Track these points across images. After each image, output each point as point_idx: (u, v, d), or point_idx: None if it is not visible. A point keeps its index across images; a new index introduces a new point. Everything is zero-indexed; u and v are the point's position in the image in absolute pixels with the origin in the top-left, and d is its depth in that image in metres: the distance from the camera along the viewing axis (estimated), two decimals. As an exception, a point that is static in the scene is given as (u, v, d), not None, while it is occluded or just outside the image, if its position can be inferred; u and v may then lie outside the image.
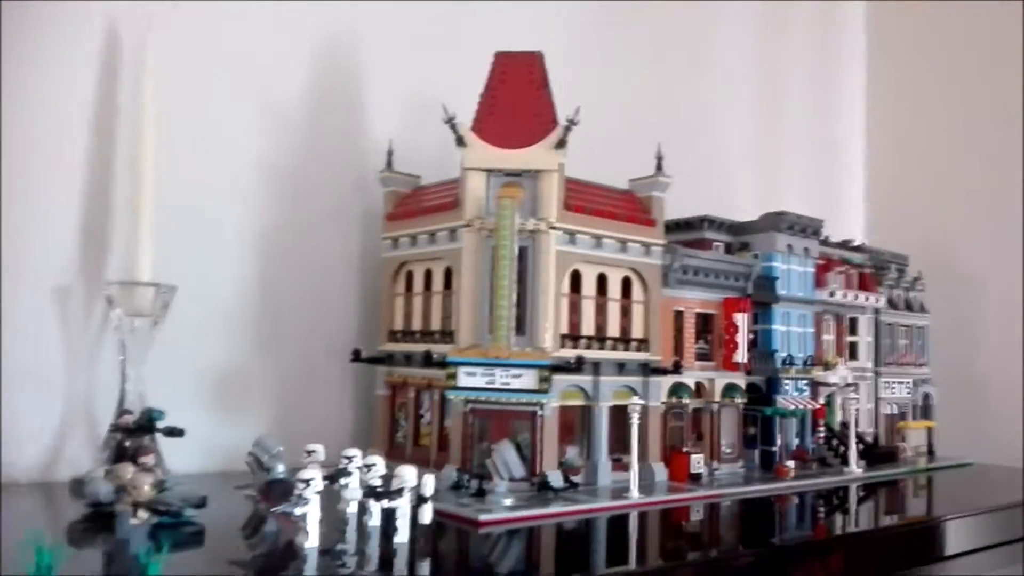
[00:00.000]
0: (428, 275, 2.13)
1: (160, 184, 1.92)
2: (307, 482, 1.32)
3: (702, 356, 2.29)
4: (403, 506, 1.39)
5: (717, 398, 2.26)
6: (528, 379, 1.80)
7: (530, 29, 2.67)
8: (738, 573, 1.51)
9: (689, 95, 3.34)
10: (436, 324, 2.08)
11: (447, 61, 2.49)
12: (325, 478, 1.56)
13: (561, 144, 1.94)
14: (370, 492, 1.41)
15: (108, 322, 1.91)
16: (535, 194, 1.95)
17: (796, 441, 2.47)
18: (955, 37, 3.71)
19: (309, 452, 1.68)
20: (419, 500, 1.41)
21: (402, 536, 1.38)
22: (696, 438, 2.24)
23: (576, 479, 1.91)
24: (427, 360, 1.91)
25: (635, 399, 1.90)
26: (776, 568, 1.58)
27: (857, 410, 2.50)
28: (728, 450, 2.29)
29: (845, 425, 2.49)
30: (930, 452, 2.80)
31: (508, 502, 1.70)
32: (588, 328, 2.03)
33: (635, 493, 1.85)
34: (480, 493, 1.76)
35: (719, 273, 2.29)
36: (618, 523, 1.74)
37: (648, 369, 2.09)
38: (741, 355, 2.27)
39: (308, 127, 2.35)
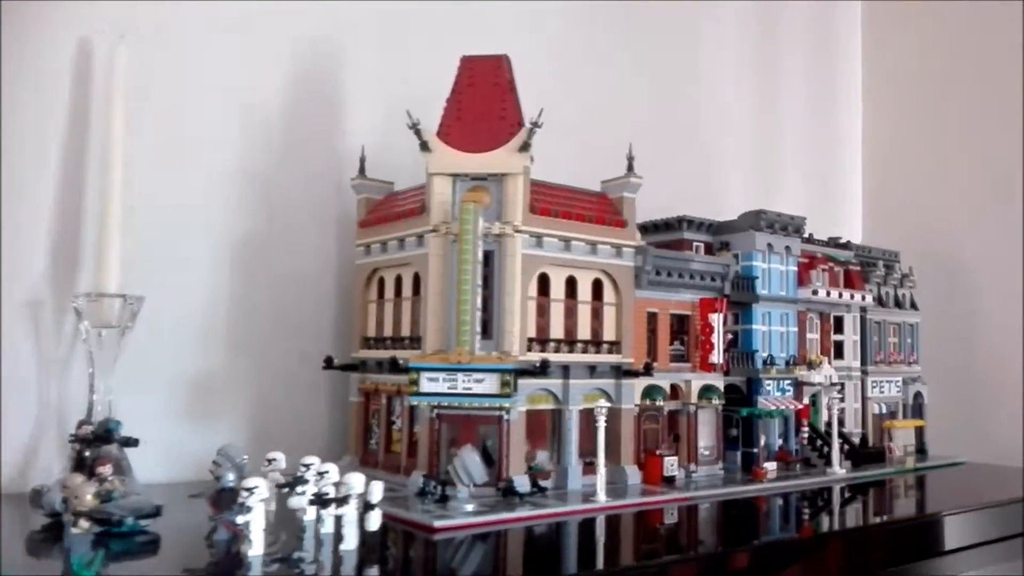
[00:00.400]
0: (398, 281, 2.13)
1: (133, 191, 1.93)
2: (251, 490, 1.32)
3: (678, 358, 2.27)
4: (350, 513, 1.38)
5: (694, 400, 2.24)
6: (490, 384, 1.79)
7: (518, 31, 2.70)
8: (695, 577, 1.49)
9: (682, 95, 3.32)
10: (406, 330, 2.08)
11: (428, 64, 2.46)
12: (282, 486, 1.58)
13: (525, 147, 1.93)
14: (316, 499, 1.41)
15: (78, 334, 1.92)
16: (501, 197, 1.95)
17: (780, 442, 2.44)
18: (951, 34, 3.66)
19: (270, 460, 1.68)
20: (366, 507, 1.40)
21: (349, 543, 1.38)
22: (673, 440, 2.22)
23: (545, 484, 1.90)
24: (394, 366, 1.91)
25: (601, 402, 1.89)
26: (741, 570, 1.56)
27: (842, 410, 2.47)
28: (706, 452, 2.27)
29: (829, 425, 2.46)
30: (920, 451, 2.76)
31: (470, 508, 1.69)
32: (557, 331, 2.02)
33: (602, 497, 1.83)
34: (444, 499, 1.75)
35: (694, 273, 2.27)
36: (582, 527, 1.72)
37: (620, 372, 2.08)
38: (717, 356, 2.25)
39: (284, 132, 2.35)
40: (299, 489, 1.53)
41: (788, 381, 2.46)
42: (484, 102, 2.03)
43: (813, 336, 2.63)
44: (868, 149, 4.00)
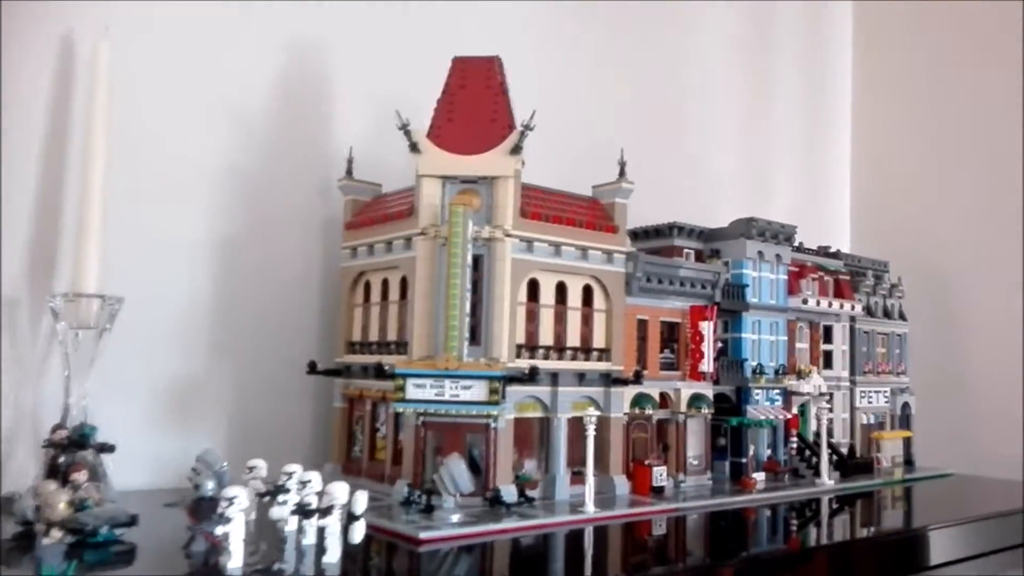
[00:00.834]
0: (385, 285, 2.09)
1: (115, 190, 1.88)
2: (230, 500, 1.27)
3: (668, 366, 2.24)
4: (332, 524, 1.34)
5: (683, 409, 2.21)
6: (478, 391, 1.75)
7: (507, 33, 2.66)
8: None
9: (672, 100, 3.31)
10: (392, 335, 2.04)
11: (418, 64, 2.42)
12: (263, 495, 1.53)
13: (517, 150, 1.90)
14: (298, 510, 1.36)
15: (54, 335, 1.87)
16: (491, 201, 1.91)
17: (768, 452, 2.42)
18: (941, 42, 3.67)
19: (250, 468, 1.64)
20: (350, 518, 1.36)
21: (332, 556, 1.34)
22: (662, 449, 2.19)
23: (532, 493, 1.87)
24: (379, 372, 1.86)
25: (591, 410, 1.86)
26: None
27: (830, 420, 2.45)
28: (695, 462, 2.24)
29: (818, 436, 2.43)
30: (908, 462, 2.75)
31: (455, 518, 1.65)
32: (546, 338, 1.98)
33: (591, 507, 1.80)
34: (429, 509, 1.71)
35: (684, 281, 2.24)
36: (570, 539, 1.69)
37: (609, 379, 2.05)
38: (707, 364, 2.22)
39: (268, 131, 2.31)
40: (281, 498, 1.49)
41: (777, 391, 2.44)
42: (475, 104, 2.00)
43: (802, 345, 2.61)
44: (857, 158, 4.00)
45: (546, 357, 1.96)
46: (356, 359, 2.11)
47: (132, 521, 1.45)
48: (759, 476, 2.24)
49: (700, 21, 3.44)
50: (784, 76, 3.77)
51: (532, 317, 1.97)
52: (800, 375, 2.50)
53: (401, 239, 1.98)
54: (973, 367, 3.36)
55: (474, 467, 1.79)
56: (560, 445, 1.95)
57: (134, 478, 1.90)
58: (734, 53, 3.56)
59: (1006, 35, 3.40)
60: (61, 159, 1.99)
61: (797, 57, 3.83)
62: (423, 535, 1.52)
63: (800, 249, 2.67)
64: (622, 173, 2.13)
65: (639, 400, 2.12)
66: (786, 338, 2.51)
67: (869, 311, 2.82)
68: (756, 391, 2.37)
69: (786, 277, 2.53)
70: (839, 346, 2.71)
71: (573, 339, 2.03)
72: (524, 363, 1.87)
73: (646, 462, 2.08)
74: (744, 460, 2.32)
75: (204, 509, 1.34)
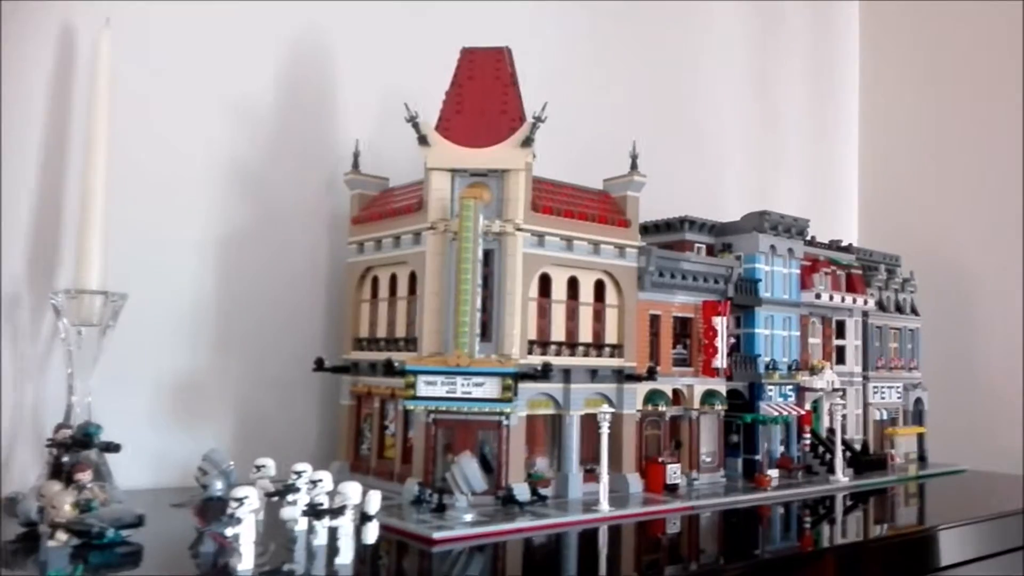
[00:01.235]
0: (393, 280, 2.05)
1: (117, 185, 1.85)
2: (240, 500, 1.23)
3: (680, 362, 2.21)
4: (345, 525, 1.31)
5: (696, 405, 2.18)
6: (491, 388, 1.72)
7: (516, 27, 2.61)
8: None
9: (681, 95, 3.28)
10: (401, 331, 2.00)
11: (425, 56, 2.38)
12: (272, 494, 1.50)
13: (528, 142, 1.86)
14: (310, 510, 1.33)
15: (56, 332, 1.83)
16: (502, 195, 1.88)
17: (781, 449, 2.38)
18: (949, 37, 3.64)
19: (259, 467, 1.60)
20: (363, 518, 1.33)
21: (345, 557, 1.30)
22: (675, 447, 2.16)
23: (545, 492, 1.83)
24: (388, 369, 1.83)
25: (605, 407, 1.82)
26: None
27: (844, 416, 2.41)
28: (708, 459, 2.21)
29: (832, 432, 2.40)
30: (921, 459, 2.71)
31: (468, 518, 1.61)
32: (558, 334, 1.95)
33: (605, 506, 1.76)
34: (441, 508, 1.67)
35: (697, 275, 2.21)
36: (584, 538, 1.65)
37: (622, 376, 2.01)
38: (720, 360, 2.19)
39: (274, 124, 2.27)
40: (290, 498, 1.45)
41: (790, 387, 2.40)
42: (485, 95, 1.96)
43: (815, 341, 2.58)
44: (864, 153, 3.97)
45: (558, 353, 1.92)
46: (364, 356, 2.07)
47: (139, 522, 1.41)
48: (773, 473, 2.20)
49: (709, 17, 3.41)
50: (793, 70, 3.73)
51: (543, 313, 1.93)
52: (813, 371, 2.47)
53: (410, 234, 1.94)
54: (983, 361, 3.33)
55: (486, 465, 1.75)
56: (573, 443, 1.92)
57: (136, 477, 1.87)
58: (743, 48, 3.53)
59: (1015, 28, 3.37)
60: (62, 153, 1.95)
61: (805, 50, 3.79)
62: (437, 535, 1.48)
63: (812, 243, 2.63)
64: (634, 166, 2.09)
65: (652, 396, 2.08)
66: (799, 333, 2.48)
67: (881, 306, 2.79)
68: (769, 387, 2.33)
69: (798, 271, 2.49)
70: (852, 341, 2.68)
71: (585, 335, 2.00)
72: (536, 359, 1.84)
73: (660, 459, 2.05)
74: (757, 457, 2.29)
75: (213, 510, 1.30)
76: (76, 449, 1.53)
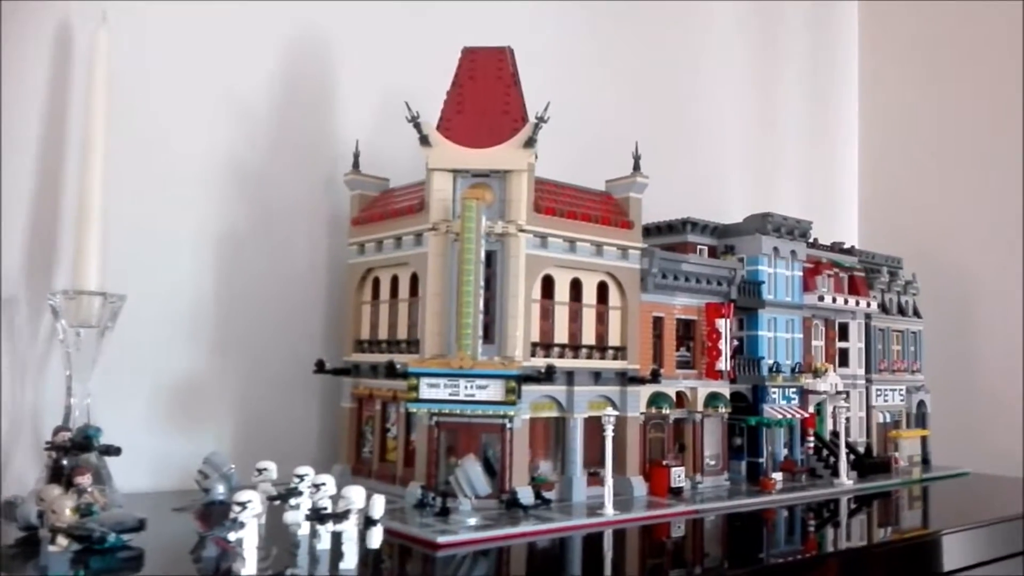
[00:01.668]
0: (394, 282, 2.04)
1: (116, 185, 1.83)
2: (243, 505, 1.22)
3: (683, 364, 2.19)
4: (350, 529, 1.29)
5: (700, 408, 2.16)
6: (494, 390, 1.70)
7: (516, 27, 2.60)
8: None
9: (681, 95, 3.26)
10: (402, 333, 1.99)
11: (427, 56, 2.36)
12: (274, 498, 1.48)
13: (530, 143, 1.84)
14: (313, 515, 1.31)
15: (55, 333, 1.81)
16: (504, 195, 1.86)
17: (785, 452, 2.37)
18: (948, 38, 3.63)
19: (260, 470, 1.58)
20: (367, 523, 1.31)
21: (349, 562, 1.28)
22: (678, 450, 2.14)
23: (549, 495, 1.82)
24: (390, 371, 1.81)
25: (609, 410, 1.80)
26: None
27: (848, 419, 2.40)
28: (712, 462, 2.19)
29: (835, 435, 2.39)
30: (925, 461, 2.70)
31: (473, 521, 1.60)
32: (561, 336, 1.93)
33: (610, 510, 1.75)
34: (444, 512, 1.66)
35: (700, 277, 2.19)
36: (589, 542, 1.63)
37: (626, 378, 2.00)
38: (724, 363, 2.17)
39: (273, 124, 2.25)
40: (293, 502, 1.43)
41: (794, 389, 2.39)
42: (487, 95, 1.95)
43: (818, 343, 2.57)
44: (864, 154, 3.96)
45: (561, 355, 1.91)
46: (365, 358, 2.06)
47: (140, 526, 1.39)
48: (777, 476, 2.19)
49: (709, 17, 3.40)
50: (793, 71, 3.73)
51: (546, 314, 1.92)
52: (816, 373, 2.45)
53: (411, 235, 1.93)
54: (984, 363, 3.32)
55: (489, 468, 1.74)
56: (576, 446, 1.90)
57: (137, 480, 1.85)
58: (743, 48, 3.52)
59: (1014, 29, 3.36)
60: (60, 152, 1.93)
61: (805, 51, 3.78)
62: (441, 539, 1.47)
63: (814, 245, 2.62)
64: (637, 167, 2.08)
65: (655, 399, 2.07)
66: (802, 336, 2.47)
67: (884, 308, 2.78)
68: (773, 390, 2.32)
69: (801, 274, 2.48)
70: (855, 344, 2.67)
71: (588, 337, 1.98)
72: (539, 362, 1.82)
73: (664, 463, 2.03)
74: (761, 460, 2.28)
75: (215, 514, 1.29)
76: (76, 452, 1.51)
